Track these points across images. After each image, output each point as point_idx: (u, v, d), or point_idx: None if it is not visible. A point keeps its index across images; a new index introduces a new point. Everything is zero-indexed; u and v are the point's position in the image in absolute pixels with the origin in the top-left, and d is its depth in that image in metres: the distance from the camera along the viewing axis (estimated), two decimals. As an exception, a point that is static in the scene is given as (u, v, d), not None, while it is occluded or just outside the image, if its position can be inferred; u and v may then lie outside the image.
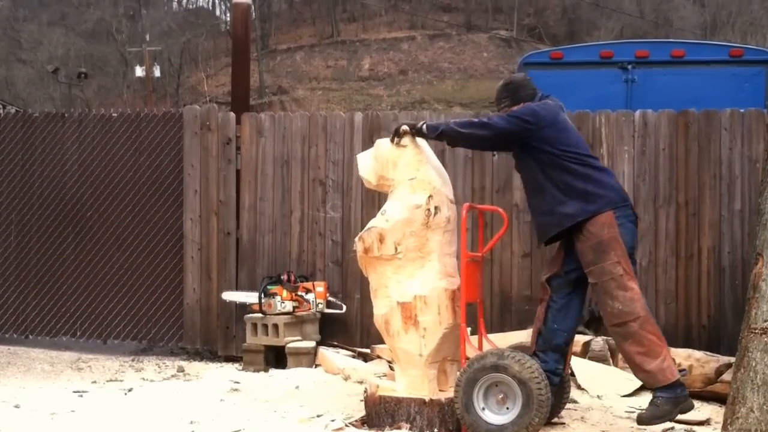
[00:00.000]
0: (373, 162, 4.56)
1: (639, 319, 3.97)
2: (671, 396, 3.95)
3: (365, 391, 4.53)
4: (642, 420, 4.03)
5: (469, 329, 4.43)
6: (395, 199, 4.46)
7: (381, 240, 4.37)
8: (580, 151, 4.23)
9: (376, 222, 4.46)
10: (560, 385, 4.30)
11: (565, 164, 4.16)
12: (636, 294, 4.01)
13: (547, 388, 4.00)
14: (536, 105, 4.29)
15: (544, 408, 3.96)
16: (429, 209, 4.36)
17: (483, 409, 4.07)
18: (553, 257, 4.32)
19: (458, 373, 4.22)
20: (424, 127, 4.41)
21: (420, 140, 4.51)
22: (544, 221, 4.24)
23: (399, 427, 4.31)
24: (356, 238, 4.54)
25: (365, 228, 4.51)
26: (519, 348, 4.34)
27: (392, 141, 4.49)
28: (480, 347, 4.38)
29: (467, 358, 4.21)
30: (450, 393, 4.28)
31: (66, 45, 40.90)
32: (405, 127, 4.46)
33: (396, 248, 4.36)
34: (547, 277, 4.25)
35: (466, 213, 4.41)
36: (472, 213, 5.08)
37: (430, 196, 4.38)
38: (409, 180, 4.42)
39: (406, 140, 4.47)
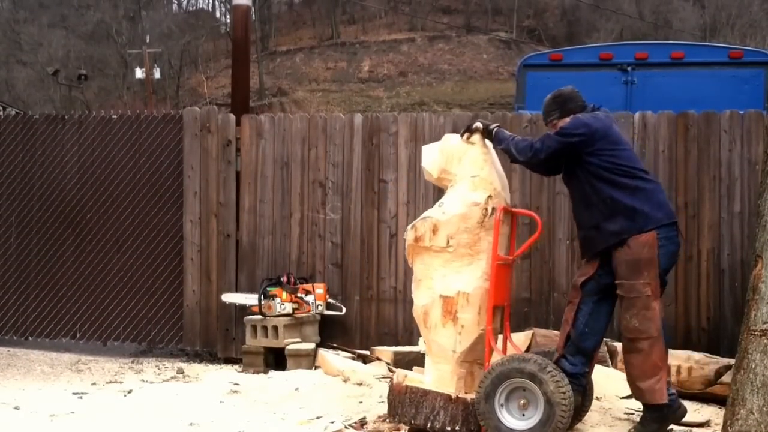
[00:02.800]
0: (438, 155, 4.53)
1: (651, 339, 4.02)
2: (658, 415, 4.09)
3: (391, 379, 4.49)
4: None
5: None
6: (455, 194, 4.43)
7: (434, 231, 4.35)
8: (630, 165, 4.17)
9: (433, 213, 4.42)
10: (585, 388, 4.30)
11: (614, 178, 4.11)
12: (655, 314, 4.03)
13: (570, 415, 3.98)
14: (587, 117, 4.25)
15: None
16: (487, 208, 4.32)
17: (502, 405, 4.06)
18: (589, 260, 4.27)
19: (492, 363, 4.15)
20: (495, 130, 4.42)
21: (488, 141, 4.50)
22: (591, 236, 4.20)
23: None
24: (409, 226, 4.50)
25: (420, 217, 4.49)
26: (544, 354, 4.31)
27: (462, 136, 4.49)
28: (504, 350, 4.38)
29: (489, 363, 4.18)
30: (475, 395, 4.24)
31: (66, 47, 40.95)
32: (478, 125, 4.46)
33: (448, 241, 4.33)
34: (582, 281, 4.22)
35: (501, 215, 4.35)
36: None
37: (490, 196, 4.35)
38: (472, 177, 4.39)
39: (475, 137, 4.46)
